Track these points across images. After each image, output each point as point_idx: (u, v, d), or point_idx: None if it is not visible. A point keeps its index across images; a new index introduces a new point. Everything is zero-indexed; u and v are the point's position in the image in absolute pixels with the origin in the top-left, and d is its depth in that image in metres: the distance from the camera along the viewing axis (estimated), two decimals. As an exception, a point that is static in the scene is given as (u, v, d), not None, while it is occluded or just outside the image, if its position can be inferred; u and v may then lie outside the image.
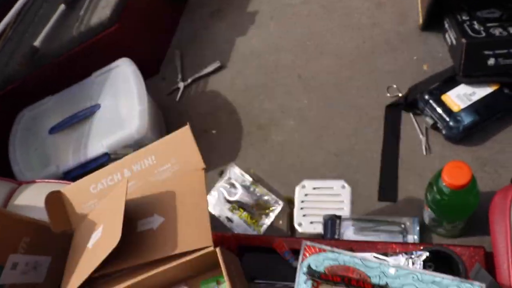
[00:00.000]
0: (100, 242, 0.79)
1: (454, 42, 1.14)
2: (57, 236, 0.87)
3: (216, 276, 0.85)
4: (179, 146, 0.90)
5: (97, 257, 0.75)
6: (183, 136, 0.89)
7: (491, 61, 1.06)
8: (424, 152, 1.14)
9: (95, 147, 1.21)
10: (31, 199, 1.09)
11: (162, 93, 1.48)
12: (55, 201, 0.91)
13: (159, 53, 1.58)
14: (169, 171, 0.90)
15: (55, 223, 0.87)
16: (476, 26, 1.09)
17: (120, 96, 1.26)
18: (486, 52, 1.05)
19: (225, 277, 0.74)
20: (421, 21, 1.34)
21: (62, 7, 1.38)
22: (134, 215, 0.86)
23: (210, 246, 0.74)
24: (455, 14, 1.16)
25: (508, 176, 1.05)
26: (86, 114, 1.27)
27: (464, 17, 1.14)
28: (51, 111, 1.34)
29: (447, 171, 0.83)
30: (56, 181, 1.16)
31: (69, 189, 0.93)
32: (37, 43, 1.31)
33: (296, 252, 0.97)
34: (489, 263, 0.86)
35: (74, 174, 1.22)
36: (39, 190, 1.10)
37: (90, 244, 0.81)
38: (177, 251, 0.75)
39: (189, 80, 1.47)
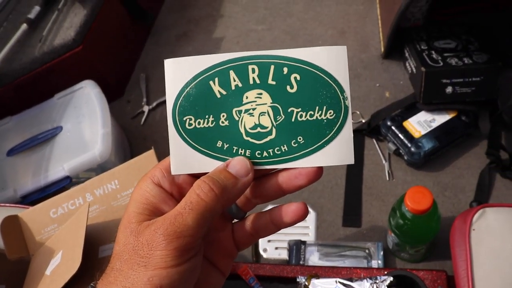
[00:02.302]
0: (59, 268, 0.77)
1: (414, 70, 1.18)
2: (12, 262, 0.83)
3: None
4: (143, 171, 0.88)
5: (55, 284, 0.73)
6: (148, 160, 0.88)
7: (449, 89, 1.10)
8: (387, 178, 1.16)
9: (56, 171, 1.17)
10: (-14, 224, 1.04)
11: (126, 116, 1.46)
12: (11, 226, 0.87)
13: (123, 76, 1.56)
14: (133, 196, 0.88)
15: (10, 249, 0.83)
16: (434, 55, 1.14)
17: (83, 119, 1.23)
18: (444, 81, 1.10)
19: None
20: (382, 49, 1.38)
21: (24, 26, 1.34)
22: (95, 241, 0.84)
23: (174, 273, 0.73)
24: (414, 43, 1.21)
25: (467, 201, 1.09)
26: (47, 137, 1.23)
27: (423, 47, 1.19)
28: (10, 132, 1.29)
29: (410, 196, 0.86)
30: (14, 205, 1.11)
31: (27, 214, 0.90)
32: (-4, 62, 1.27)
33: (261, 279, 0.97)
34: (451, 286, 0.87)
35: (33, 198, 1.18)
36: (-5, 214, 1.05)
37: (48, 271, 0.78)
38: (140, 278, 0.73)
39: (154, 104, 1.46)
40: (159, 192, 0.33)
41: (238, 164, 0.34)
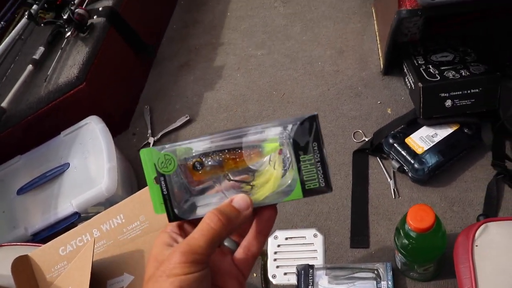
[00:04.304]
0: (67, 306, 0.78)
1: (412, 86, 1.18)
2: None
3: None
4: (147, 203, 0.90)
5: (64, 323, 0.74)
6: (151, 192, 0.89)
7: (448, 103, 1.10)
8: (393, 196, 1.15)
9: (65, 207, 1.19)
10: (-3, 265, 1.06)
11: (132, 148, 1.48)
12: (22, 266, 0.89)
13: (128, 109, 1.59)
14: (138, 229, 0.90)
15: (22, 290, 0.85)
16: (432, 70, 1.14)
17: (89, 154, 1.26)
18: (442, 95, 1.09)
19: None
20: (382, 66, 1.39)
21: (30, 67, 1.38)
22: (103, 275, 0.85)
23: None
24: (412, 59, 1.22)
25: (476, 214, 1.07)
26: (55, 174, 1.25)
27: (420, 62, 1.19)
28: (20, 172, 1.32)
29: (411, 214, 0.85)
30: (24, 244, 1.13)
31: (37, 253, 0.92)
32: (4, 104, 1.31)
33: (270, 305, 0.96)
34: (462, 305, 0.86)
35: (43, 235, 1.20)
36: (6, 254, 1.06)
37: (57, 310, 0.80)
38: (147, 312, 0.74)
39: (159, 135, 1.47)
40: (172, 235, 0.43)
41: (241, 200, 0.42)
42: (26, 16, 1.38)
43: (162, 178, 0.43)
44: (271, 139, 0.42)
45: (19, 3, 1.42)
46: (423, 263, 0.94)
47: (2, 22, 1.37)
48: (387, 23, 1.19)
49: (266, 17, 1.71)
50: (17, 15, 1.50)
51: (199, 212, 0.43)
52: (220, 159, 0.42)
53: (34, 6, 1.41)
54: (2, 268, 0.98)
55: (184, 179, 0.43)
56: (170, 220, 0.44)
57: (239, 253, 0.44)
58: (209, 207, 0.42)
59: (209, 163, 0.43)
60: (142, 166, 0.44)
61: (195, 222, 0.43)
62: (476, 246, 0.77)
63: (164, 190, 0.43)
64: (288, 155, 0.42)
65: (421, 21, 1.22)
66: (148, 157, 0.43)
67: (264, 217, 0.43)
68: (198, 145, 0.43)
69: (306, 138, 0.41)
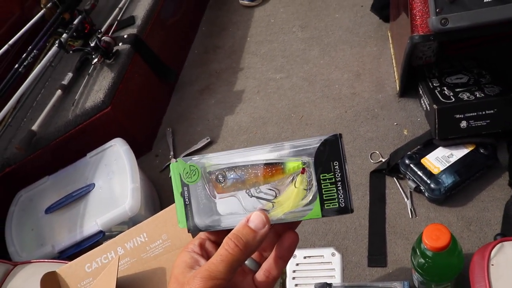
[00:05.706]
0: (92, 321, 0.81)
1: (428, 107, 1.20)
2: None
3: None
4: (169, 223, 0.93)
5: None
6: (172, 212, 0.93)
7: (463, 124, 1.11)
8: (410, 215, 1.16)
9: (90, 226, 1.23)
10: (27, 281, 1.09)
11: (155, 169, 1.53)
12: (50, 282, 0.93)
13: (151, 131, 1.65)
14: (161, 247, 0.93)
15: (49, 305, 0.88)
16: (446, 92, 1.16)
17: (114, 175, 1.30)
18: (457, 116, 1.11)
19: None
20: (398, 88, 1.41)
21: (58, 92, 1.45)
22: (127, 293, 0.88)
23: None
24: (427, 81, 1.24)
25: (494, 234, 1.08)
26: (81, 194, 1.30)
27: (435, 84, 1.21)
28: (48, 192, 1.37)
29: (427, 234, 0.86)
30: (52, 260, 1.16)
31: (65, 269, 0.96)
32: (34, 127, 1.37)
33: (288, 323, 0.97)
34: (479, 324, 0.86)
35: (69, 252, 1.24)
36: (35, 270, 1.11)
37: (83, 325, 0.83)
38: (169, 328, 0.76)
39: (181, 156, 1.49)
40: (193, 256, 0.43)
41: (257, 219, 0.42)
42: (56, 45, 1.46)
43: (185, 188, 0.44)
44: (294, 157, 0.42)
45: (51, 32, 1.50)
46: (440, 282, 0.94)
47: (35, 51, 1.44)
48: (402, 47, 1.22)
49: (285, 41, 1.76)
50: (48, 43, 1.59)
51: (218, 225, 0.44)
52: (243, 173, 0.43)
53: (64, 35, 1.48)
54: (31, 283, 1.03)
55: (207, 191, 0.44)
56: (189, 230, 0.45)
57: (260, 275, 0.44)
58: (229, 221, 0.44)
59: (232, 176, 0.44)
60: (164, 187, 0.46)
61: (215, 241, 0.45)
62: (492, 265, 0.77)
63: (186, 200, 0.44)
64: (310, 174, 0.42)
65: (435, 44, 1.25)
66: (177, 170, 0.44)
67: (285, 243, 0.43)
68: (223, 159, 0.44)
69: (328, 157, 0.41)
